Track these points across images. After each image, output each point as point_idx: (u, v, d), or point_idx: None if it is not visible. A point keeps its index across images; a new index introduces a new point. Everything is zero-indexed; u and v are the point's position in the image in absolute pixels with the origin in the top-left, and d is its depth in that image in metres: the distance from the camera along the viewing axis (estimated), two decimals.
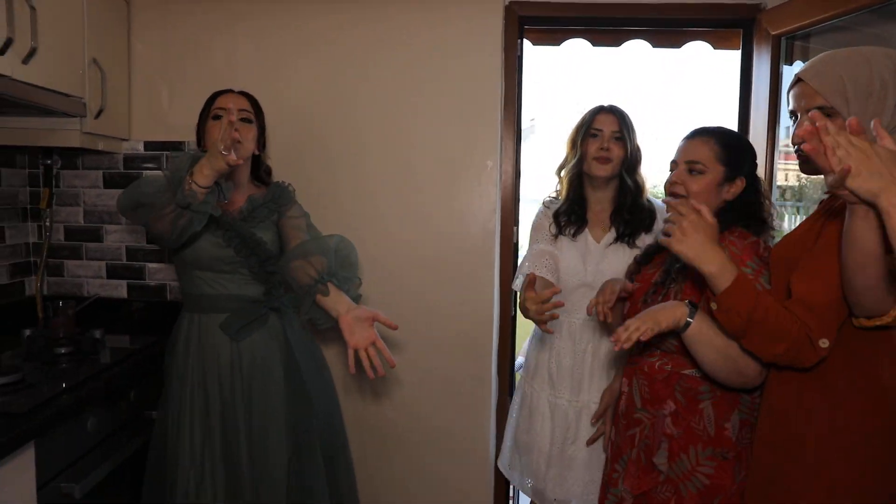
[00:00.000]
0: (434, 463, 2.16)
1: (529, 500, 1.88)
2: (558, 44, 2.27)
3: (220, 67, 2.08)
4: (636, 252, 1.63)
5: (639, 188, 1.75)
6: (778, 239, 1.35)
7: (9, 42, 1.47)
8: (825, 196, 1.24)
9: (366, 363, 1.54)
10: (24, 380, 1.48)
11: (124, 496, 1.71)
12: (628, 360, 1.49)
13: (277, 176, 1.87)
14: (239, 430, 1.66)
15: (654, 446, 1.34)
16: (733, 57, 2.13)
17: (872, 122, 0.92)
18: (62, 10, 1.70)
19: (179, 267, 1.74)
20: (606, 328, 1.70)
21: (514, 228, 2.15)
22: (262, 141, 1.78)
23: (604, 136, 1.70)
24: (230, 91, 1.73)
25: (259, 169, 1.82)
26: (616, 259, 1.70)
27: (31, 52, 1.55)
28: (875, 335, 1.08)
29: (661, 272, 1.42)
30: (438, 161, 2.08)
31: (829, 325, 1.08)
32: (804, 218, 1.31)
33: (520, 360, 2.33)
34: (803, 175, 1.72)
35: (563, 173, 1.82)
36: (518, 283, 1.71)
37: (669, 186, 1.39)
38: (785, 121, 1.89)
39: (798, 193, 1.98)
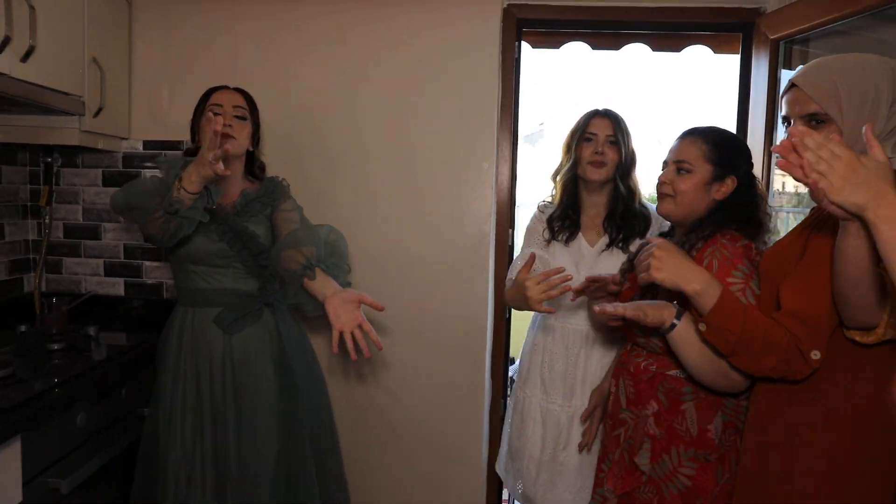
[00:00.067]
0: (427, 466, 2.15)
1: None
2: (558, 47, 2.26)
3: (221, 67, 2.09)
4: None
5: (632, 193, 1.74)
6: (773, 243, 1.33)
7: (7, 40, 1.48)
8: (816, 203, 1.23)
9: (350, 345, 1.54)
10: (13, 374, 1.50)
11: (115, 492, 1.72)
12: (617, 362, 1.48)
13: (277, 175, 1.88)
14: (228, 424, 1.67)
15: (636, 446, 1.33)
16: (734, 61, 2.12)
17: (864, 129, 0.89)
18: (62, 10, 1.72)
19: (174, 261, 1.75)
20: (599, 333, 1.69)
21: (510, 231, 2.14)
22: (256, 137, 1.79)
23: (598, 141, 1.70)
24: (225, 87, 1.74)
25: (253, 165, 1.83)
26: (610, 264, 1.69)
27: (30, 51, 1.56)
28: (864, 351, 1.06)
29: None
30: (435, 162, 2.08)
31: (820, 336, 1.07)
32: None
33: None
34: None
35: (558, 178, 1.81)
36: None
37: (659, 186, 1.39)
38: None
39: (797, 199, 1.95)
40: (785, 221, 1.90)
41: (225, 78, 1.83)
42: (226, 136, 1.68)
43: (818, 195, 0.88)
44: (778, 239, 1.30)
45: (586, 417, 1.66)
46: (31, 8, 1.55)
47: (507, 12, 2.03)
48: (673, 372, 1.31)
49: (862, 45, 1.75)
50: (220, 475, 1.67)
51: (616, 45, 2.22)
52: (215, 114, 1.58)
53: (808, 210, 1.31)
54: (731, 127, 2.07)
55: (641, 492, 1.32)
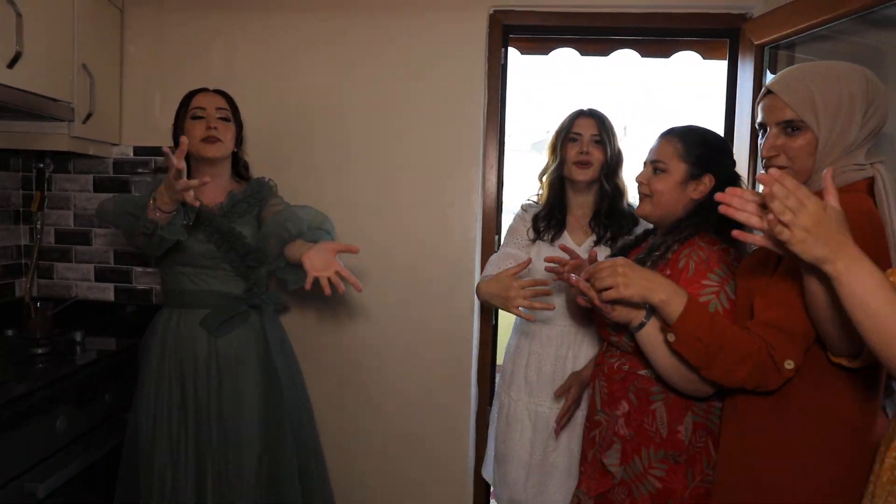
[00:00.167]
0: (412, 472, 2.14)
1: None
2: (546, 53, 2.27)
3: (212, 74, 2.10)
4: None
5: (619, 192, 1.73)
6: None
7: None
8: None
9: (324, 283, 1.48)
10: None
11: (99, 496, 1.72)
12: (594, 363, 1.47)
13: None
14: (212, 426, 1.67)
15: (605, 447, 1.33)
16: (723, 67, 2.11)
17: (823, 173, 0.89)
18: (50, 17, 1.74)
19: (163, 263, 1.76)
20: (586, 334, 1.68)
21: (496, 237, 2.13)
22: (239, 138, 1.80)
23: (583, 141, 1.69)
24: (205, 90, 1.76)
25: (238, 165, 1.84)
26: None
27: (16, 57, 1.58)
28: (846, 374, 1.05)
29: None
30: (421, 169, 2.08)
31: (795, 346, 1.05)
32: None
33: None
34: None
35: (544, 178, 1.81)
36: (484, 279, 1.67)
37: (638, 187, 1.39)
38: None
39: None
40: None
41: (215, 84, 1.85)
42: (212, 140, 1.70)
43: (778, 244, 0.87)
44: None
45: (560, 394, 1.64)
46: (18, 15, 1.57)
47: (494, 19, 2.04)
48: (643, 371, 1.31)
49: (849, 50, 1.74)
50: (203, 477, 1.67)
51: (605, 51, 2.23)
52: (172, 148, 1.51)
53: None
54: (719, 132, 2.06)
55: (614, 493, 1.31)
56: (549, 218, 1.76)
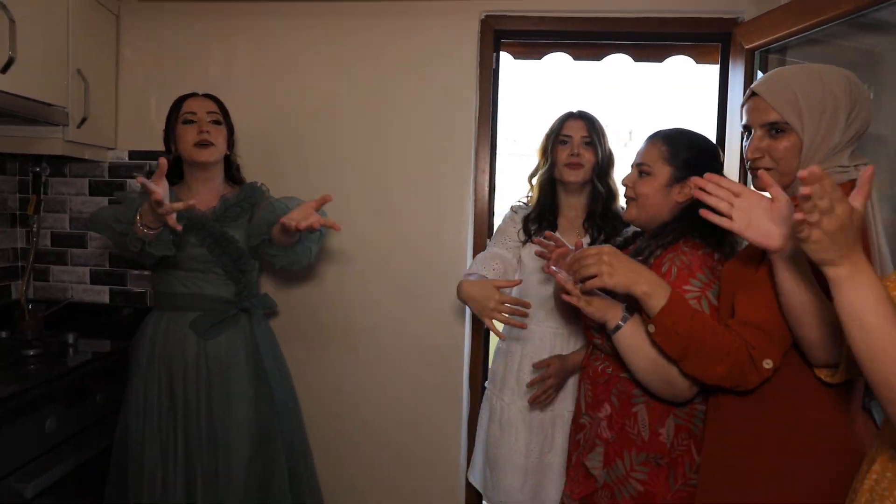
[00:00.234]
0: (403, 476, 2.14)
1: None
2: (540, 58, 2.27)
3: (206, 78, 2.13)
4: None
5: (612, 193, 1.73)
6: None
7: None
8: None
9: (302, 226, 1.51)
10: None
11: (88, 497, 1.73)
12: (581, 365, 1.47)
13: None
14: (201, 428, 1.68)
15: (587, 450, 1.33)
16: (716, 71, 2.11)
17: (862, 172, 0.82)
18: (45, 23, 1.77)
19: (155, 266, 1.77)
20: (579, 335, 1.68)
21: (488, 241, 2.13)
22: (231, 141, 1.81)
23: (574, 143, 1.69)
24: (195, 94, 1.77)
25: (231, 168, 1.85)
26: None
27: (9, 62, 1.60)
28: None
29: None
30: (413, 173, 2.09)
31: (775, 346, 1.05)
32: None
33: None
34: None
35: (534, 180, 1.81)
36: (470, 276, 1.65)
37: (625, 191, 1.39)
38: None
39: None
40: None
41: (210, 88, 1.87)
42: (204, 144, 1.71)
43: (801, 237, 0.83)
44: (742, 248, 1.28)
45: (538, 366, 1.62)
46: (11, 21, 1.60)
47: (485, 24, 2.05)
48: (625, 374, 1.30)
49: (840, 54, 1.73)
50: (193, 479, 1.68)
51: (598, 55, 2.23)
52: (146, 174, 1.54)
53: None
54: (711, 137, 2.05)
55: (598, 497, 1.31)
56: (539, 219, 1.76)
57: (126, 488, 1.69)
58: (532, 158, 1.83)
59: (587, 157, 1.69)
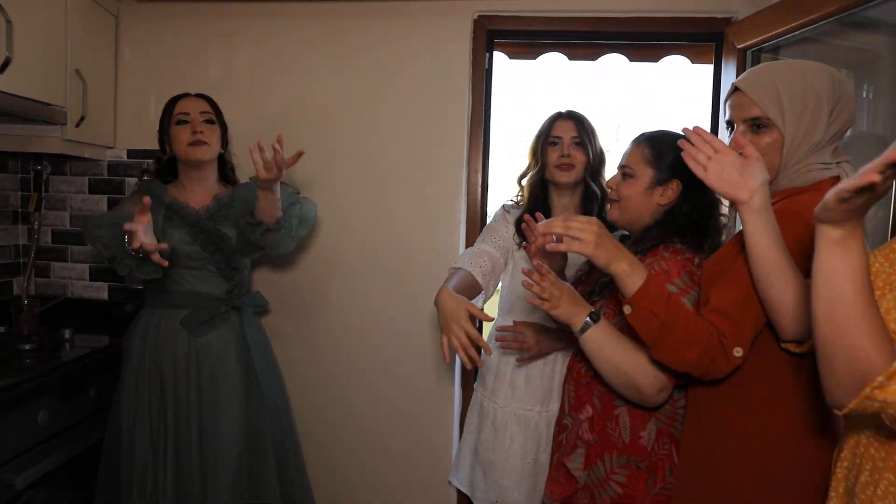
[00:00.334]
0: (394, 475, 2.14)
1: None
2: (535, 58, 2.27)
3: (204, 78, 2.15)
4: None
5: (605, 193, 1.72)
6: None
7: None
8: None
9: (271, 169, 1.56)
10: None
11: (79, 490, 1.75)
12: (567, 366, 1.47)
13: None
14: (191, 425, 1.70)
15: (568, 451, 1.32)
16: (710, 71, 2.10)
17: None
18: (42, 24, 1.80)
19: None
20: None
21: None
22: (224, 139, 1.83)
23: (564, 144, 1.69)
24: (188, 95, 1.79)
25: (225, 167, 1.87)
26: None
27: (6, 63, 1.64)
28: (798, 362, 1.05)
29: (590, 284, 1.40)
30: (405, 173, 2.09)
31: (744, 333, 1.05)
32: None
33: None
34: None
35: (524, 182, 1.80)
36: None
37: (608, 192, 1.39)
38: None
39: None
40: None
41: (207, 89, 1.89)
42: (198, 143, 1.73)
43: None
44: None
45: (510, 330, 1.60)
46: (9, 22, 1.63)
47: (478, 23, 2.05)
48: None
49: (832, 53, 1.72)
50: (183, 475, 1.69)
51: (593, 55, 2.22)
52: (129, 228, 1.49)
53: None
54: None
55: (578, 498, 1.31)
56: None
57: (117, 484, 1.72)
58: (522, 158, 1.83)
59: (578, 158, 1.68)
